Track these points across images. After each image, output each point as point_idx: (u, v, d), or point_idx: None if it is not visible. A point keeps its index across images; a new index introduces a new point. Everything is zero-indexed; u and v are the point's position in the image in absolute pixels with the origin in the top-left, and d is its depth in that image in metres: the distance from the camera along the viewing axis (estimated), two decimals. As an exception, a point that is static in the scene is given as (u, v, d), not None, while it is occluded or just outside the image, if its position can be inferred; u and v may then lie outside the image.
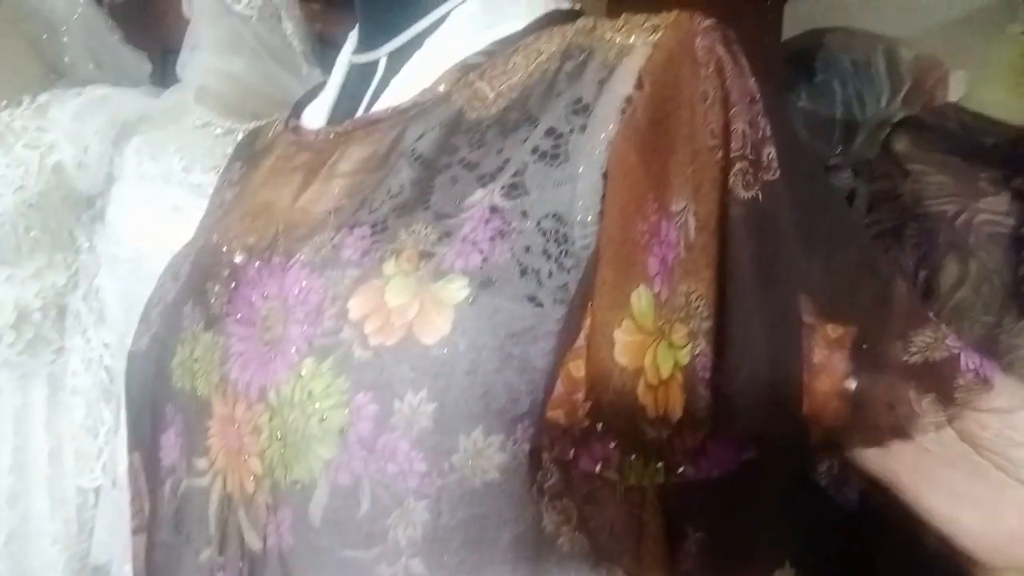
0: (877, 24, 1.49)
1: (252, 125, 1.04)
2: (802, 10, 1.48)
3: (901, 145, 1.36)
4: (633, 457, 0.36)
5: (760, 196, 0.38)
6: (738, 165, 0.39)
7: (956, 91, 1.38)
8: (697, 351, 0.36)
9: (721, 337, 0.37)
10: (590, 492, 0.38)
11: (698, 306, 0.37)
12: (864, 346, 0.38)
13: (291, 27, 1.05)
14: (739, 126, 0.39)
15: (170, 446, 0.44)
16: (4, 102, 1.09)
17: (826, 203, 0.42)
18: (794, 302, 0.38)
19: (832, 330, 0.38)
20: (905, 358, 0.38)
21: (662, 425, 0.36)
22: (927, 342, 0.38)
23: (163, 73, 1.31)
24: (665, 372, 0.36)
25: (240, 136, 1.07)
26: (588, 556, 0.39)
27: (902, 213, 1.33)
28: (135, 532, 0.49)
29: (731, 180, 0.38)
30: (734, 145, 0.39)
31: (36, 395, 1.10)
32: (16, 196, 1.05)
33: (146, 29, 1.38)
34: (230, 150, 1.03)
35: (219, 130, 1.07)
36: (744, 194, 0.38)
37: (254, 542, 0.40)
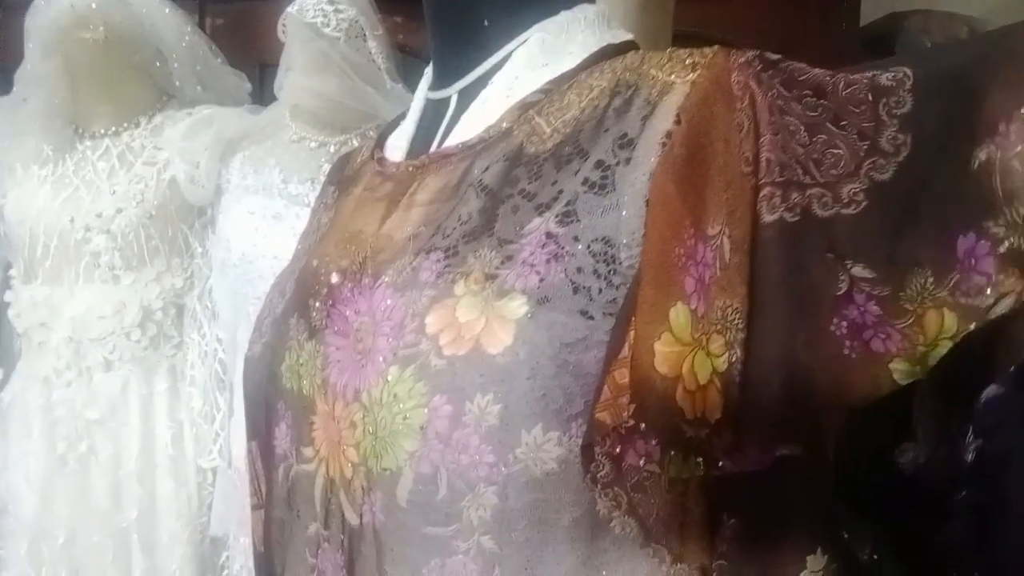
0: (960, 5, 1.45)
1: (342, 138, 1.13)
2: (882, -6, 1.46)
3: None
4: (672, 453, 0.42)
5: (784, 218, 0.42)
6: (765, 190, 0.42)
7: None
8: (733, 359, 0.40)
9: (755, 345, 0.40)
10: (638, 482, 0.44)
11: (734, 319, 0.40)
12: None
13: (375, 46, 1.13)
14: (766, 155, 0.43)
15: (282, 437, 0.53)
16: (125, 124, 1.22)
17: None
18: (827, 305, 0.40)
19: None
20: None
21: (700, 425, 0.41)
22: None
23: (261, 88, 1.42)
24: (703, 379, 0.41)
25: (332, 149, 1.16)
26: (637, 538, 0.45)
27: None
28: (254, 509, 0.58)
29: (759, 205, 0.42)
30: (762, 172, 0.43)
31: (159, 386, 1.23)
32: (138, 209, 1.18)
33: (245, 49, 1.49)
34: (323, 162, 1.13)
35: (313, 143, 1.17)
36: (768, 218, 0.42)
37: (352, 519, 0.47)
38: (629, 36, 0.57)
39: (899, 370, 0.38)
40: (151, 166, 1.20)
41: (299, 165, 1.14)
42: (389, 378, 0.45)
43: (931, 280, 0.37)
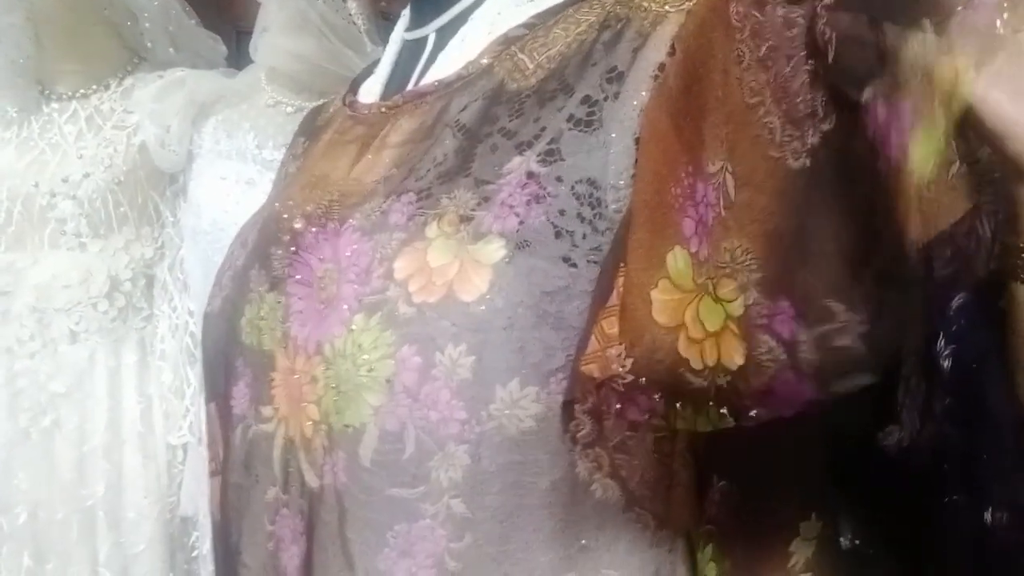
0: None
1: (320, 103, 1.09)
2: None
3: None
4: (679, 406, 0.38)
5: (808, 163, 0.38)
6: (787, 130, 0.38)
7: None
8: (751, 300, 0.36)
9: (781, 284, 0.36)
10: (621, 442, 0.41)
11: (744, 260, 0.37)
12: None
13: (355, 7, 1.08)
14: (781, 83, 0.40)
15: (241, 396, 0.49)
16: (94, 87, 1.17)
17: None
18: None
19: None
20: None
21: (716, 373, 0.37)
22: None
23: (238, 54, 1.37)
24: (713, 325, 0.37)
25: (308, 113, 1.12)
26: (619, 502, 0.42)
27: (977, 179, 1.29)
28: (212, 475, 0.54)
29: (782, 148, 0.38)
30: (783, 104, 0.39)
31: (127, 359, 1.19)
32: (106, 174, 1.13)
33: (221, 12, 1.44)
34: (299, 127, 1.09)
35: (290, 108, 1.12)
36: (794, 164, 0.38)
37: (313, 481, 0.44)
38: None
39: None
40: (120, 130, 1.15)
41: (274, 130, 1.09)
42: (353, 327, 0.41)
43: None
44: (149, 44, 1.18)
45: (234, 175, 1.09)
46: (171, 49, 1.19)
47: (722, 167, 0.38)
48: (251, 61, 1.16)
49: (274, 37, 1.11)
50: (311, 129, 0.62)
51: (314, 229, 0.47)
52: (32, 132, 1.14)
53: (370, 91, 0.56)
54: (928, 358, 1.29)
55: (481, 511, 0.41)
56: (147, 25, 1.16)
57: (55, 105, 1.16)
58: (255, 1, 1.12)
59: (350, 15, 1.10)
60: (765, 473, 0.40)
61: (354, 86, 0.60)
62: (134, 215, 1.17)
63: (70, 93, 1.16)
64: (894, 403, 1.27)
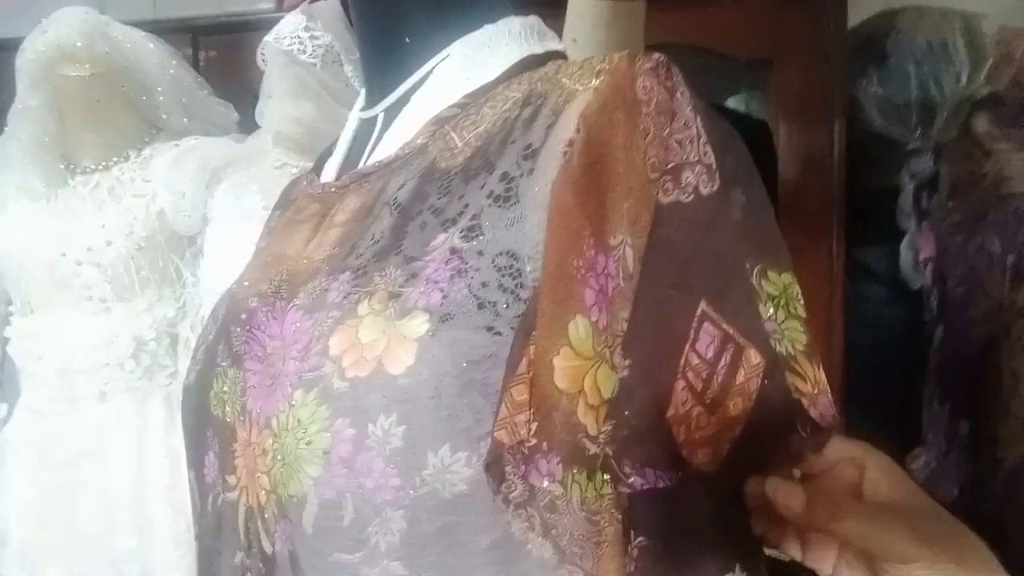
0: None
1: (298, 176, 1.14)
2: (870, -7, 1.44)
3: (982, 124, 1.30)
4: (575, 471, 0.40)
5: (684, 200, 0.41)
6: (663, 178, 0.42)
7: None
8: None
9: (634, 344, 0.40)
10: (550, 502, 0.42)
11: None
12: (766, 381, 0.40)
13: (351, 70, 1.13)
14: (675, 156, 0.42)
15: (211, 465, 0.52)
16: (115, 159, 1.24)
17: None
18: (688, 312, 0.41)
19: (753, 355, 0.40)
20: (791, 395, 0.40)
21: (607, 442, 0.40)
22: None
23: (252, 119, 1.43)
24: (608, 392, 0.40)
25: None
26: (551, 559, 0.43)
27: (985, 196, 1.27)
28: (196, 538, 0.57)
29: (659, 196, 0.42)
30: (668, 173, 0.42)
31: (154, 416, 1.24)
32: (127, 241, 1.20)
33: (237, 78, 1.51)
34: (304, 188, 1.14)
35: (295, 170, 1.17)
36: (664, 200, 0.41)
37: (267, 547, 0.46)
38: (557, 46, 0.57)
39: None
40: (140, 198, 1.21)
41: (280, 191, 1.14)
42: (294, 402, 0.44)
43: None
44: (164, 116, 1.25)
45: (243, 236, 1.14)
46: (185, 119, 1.26)
47: (622, 240, 0.41)
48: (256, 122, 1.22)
49: (277, 103, 1.17)
50: (284, 203, 0.66)
51: (265, 308, 0.50)
52: (58, 204, 1.22)
53: (330, 169, 0.60)
54: (949, 378, 1.27)
55: (423, 571, 0.43)
56: (161, 98, 1.23)
57: (79, 178, 1.24)
58: (268, 67, 1.17)
59: (348, 78, 1.15)
60: (685, 528, 0.41)
61: (319, 162, 0.63)
62: (156, 277, 1.23)
63: (93, 166, 1.23)
64: (918, 425, 1.25)
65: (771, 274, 0.42)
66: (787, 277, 0.43)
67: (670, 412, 0.39)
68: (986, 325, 1.15)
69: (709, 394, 0.40)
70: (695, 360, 0.39)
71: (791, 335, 0.42)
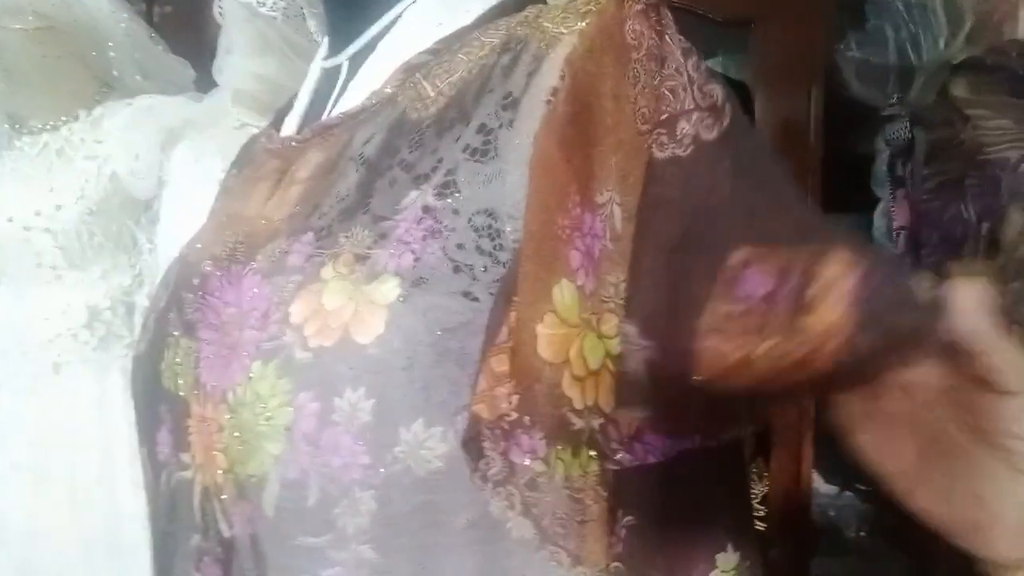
0: (933, -39, 1.39)
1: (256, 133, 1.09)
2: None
3: (960, 89, 1.28)
4: (560, 447, 0.37)
5: (681, 154, 0.38)
6: (656, 131, 0.38)
7: (1028, 25, 1.28)
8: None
9: (639, 312, 0.36)
10: (531, 479, 0.40)
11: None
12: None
13: (314, 24, 1.08)
14: (668, 105, 0.39)
15: (163, 442, 0.48)
16: (63, 118, 1.17)
17: (765, 172, 0.41)
18: (709, 271, 0.36)
19: (835, 256, 0.34)
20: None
21: (592, 414, 0.37)
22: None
23: (210, 77, 1.37)
24: (594, 363, 0.37)
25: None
26: (533, 540, 0.41)
27: (962, 162, 1.26)
28: (150, 520, 0.54)
29: (652, 151, 0.38)
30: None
31: (112, 386, 1.19)
32: (79, 205, 1.14)
33: (193, 36, 1.44)
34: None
35: (255, 130, 1.11)
36: (659, 155, 0.38)
37: (225, 530, 0.43)
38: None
39: None
40: (91, 160, 1.15)
41: (241, 153, 1.09)
42: (252, 375, 0.40)
43: None
44: (116, 73, 1.19)
45: (202, 200, 1.08)
46: (139, 76, 1.20)
47: (610, 198, 0.37)
48: (213, 78, 1.16)
49: (236, 58, 1.11)
50: (242, 161, 0.61)
51: (219, 273, 0.46)
52: (4, 167, 1.15)
53: (290, 122, 0.55)
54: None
55: (396, 554, 0.40)
56: (112, 54, 1.17)
57: (26, 139, 1.17)
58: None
59: (311, 33, 1.09)
60: (676, 506, 0.39)
61: (279, 116, 0.59)
62: (110, 244, 1.17)
63: (40, 126, 1.17)
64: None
65: None
66: None
67: (708, 372, 0.35)
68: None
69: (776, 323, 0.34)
70: (738, 307, 0.34)
71: None
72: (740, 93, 1.29)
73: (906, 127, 1.33)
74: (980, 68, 1.24)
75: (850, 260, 0.34)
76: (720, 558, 0.39)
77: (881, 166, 1.40)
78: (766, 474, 1.29)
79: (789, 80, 1.35)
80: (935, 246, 1.25)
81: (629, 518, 0.38)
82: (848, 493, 1.50)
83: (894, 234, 1.40)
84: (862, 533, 1.53)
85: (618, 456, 0.38)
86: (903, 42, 1.33)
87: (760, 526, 1.23)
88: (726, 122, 0.38)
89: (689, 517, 0.39)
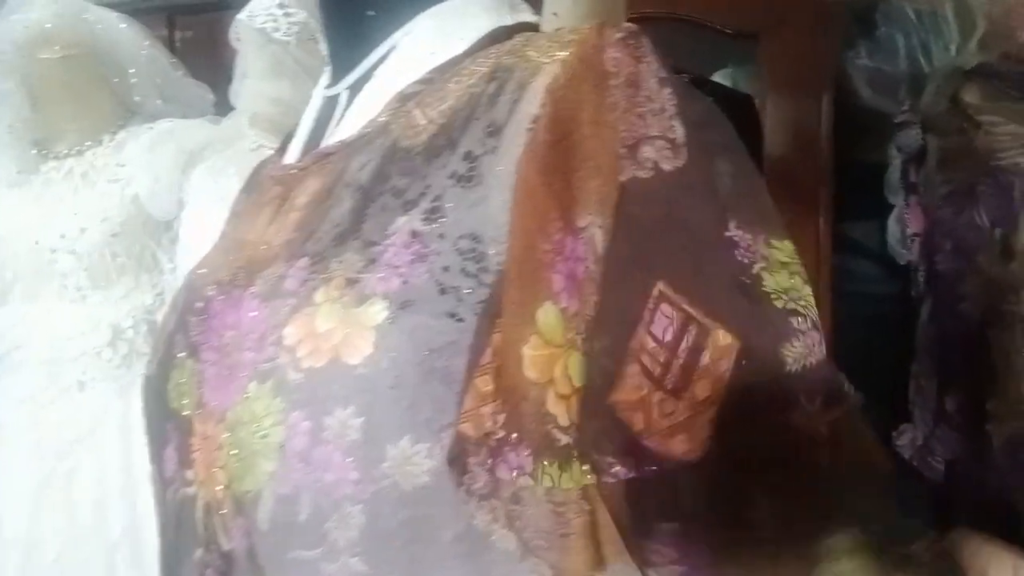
0: (945, -32, 1.38)
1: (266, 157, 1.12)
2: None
3: (972, 96, 1.27)
4: (546, 463, 0.38)
5: (643, 176, 0.39)
6: (628, 153, 0.40)
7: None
8: None
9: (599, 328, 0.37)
10: (515, 493, 0.41)
11: None
12: (744, 362, 0.37)
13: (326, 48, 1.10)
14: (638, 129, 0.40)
15: (170, 459, 0.50)
16: (88, 143, 1.21)
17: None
18: (643, 292, 0.37)
19: (723, 336, 0.38)
20: (786, 369, 0.37)
21: (579, 430, 0.38)
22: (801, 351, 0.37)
23: (229, 101, 1.40)
24: (579, 380, 0.38)
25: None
26: (516, 552, 0.42)
27: (975, 169, 1.25)
28: (159, 533, 0.56)
29: (623, 173, 0.39)
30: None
31: (136, 403, 1.22)
32: (103, 227, 1.18)
33: (214, 59, 1.48)
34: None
35: (271, 151, 1.14)
36: (624, 177, 0.39)
37: (224, 544, 0.45)
38: (529, 18, 0.54)
39: None
40: (114, 183, 1.19)
41: (256, 174, 1.12)
42: (248, 394, 0.42)
43: None
44: (138, 98, 1.23)
45: (220, 220, 1.12)
46: (159, 101, 1.24)
47: (591, 221, 0.39)
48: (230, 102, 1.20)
49: (253, 83, 1.14)
50: (251, 185, 0.63)
51: (222, 296, 0.48)
52: (31, 191, 1.20)
53: (292, 150, 0.58)
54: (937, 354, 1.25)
55: (385, 566, 0.42)
56: (134, 80, 1.21)
57: (52, 163, 1.21)
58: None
59: (323, 56, 1.12)
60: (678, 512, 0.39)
61: (285, 143, 0.61)
62: (132, 264, 1.21)
63: (66, 151, 1.21)
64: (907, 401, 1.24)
65: (774, 242, 0.40)
66: (788, 244, 0.40)
67: (618, 397, 0.37)
68: (975, 300, 1.14)
69: (669, 379, 0.37)
70: (651, 343, 0.37)
71: (808, 300, 0.39)
72: (746, 105, 1.30)
73: (918, 134, 1.33)
74: (992, 74, 1.24)
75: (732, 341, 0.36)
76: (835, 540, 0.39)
77: (894, 173, 1.39)
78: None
79: (800, 89, 1.35)
80: (949, 252, 1.24)
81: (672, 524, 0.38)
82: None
83: (908, 240, 1.39)
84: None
85: (614, 469, 0.38)
86: (914, 49, 1.33)
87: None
88: (681, 163, 0.39)
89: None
